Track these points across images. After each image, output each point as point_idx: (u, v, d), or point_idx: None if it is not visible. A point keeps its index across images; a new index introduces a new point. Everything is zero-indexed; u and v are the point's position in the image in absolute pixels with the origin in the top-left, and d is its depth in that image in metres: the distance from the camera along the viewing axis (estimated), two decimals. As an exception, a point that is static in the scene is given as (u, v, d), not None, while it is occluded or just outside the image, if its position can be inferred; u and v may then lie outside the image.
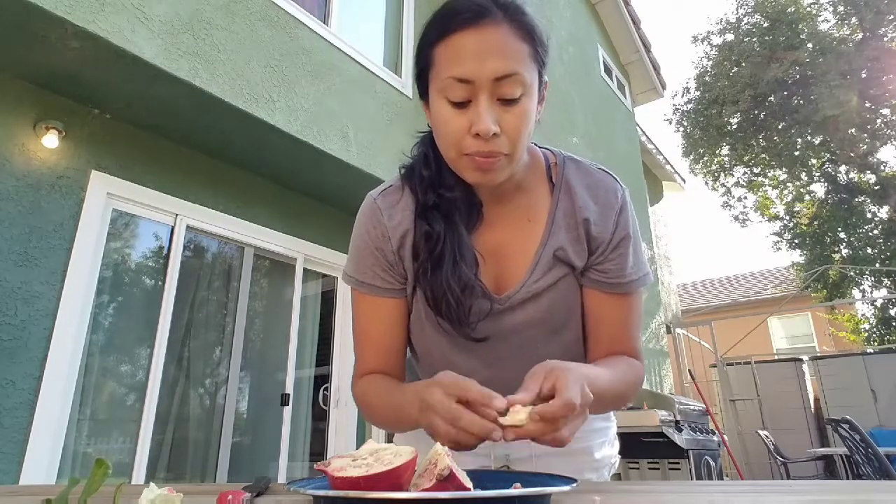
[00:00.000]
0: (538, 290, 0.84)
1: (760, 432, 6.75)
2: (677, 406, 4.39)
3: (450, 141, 0.74)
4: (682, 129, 13.82)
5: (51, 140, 2.75)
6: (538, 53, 0.74)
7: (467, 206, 0.84)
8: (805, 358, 8.68)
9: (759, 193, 13.66)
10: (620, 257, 0.84)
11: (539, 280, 0.84)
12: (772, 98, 12.18)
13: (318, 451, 3.99)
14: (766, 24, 12.44)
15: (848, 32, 12.10)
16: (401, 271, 0.86)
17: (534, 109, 0.75)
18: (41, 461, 2.49)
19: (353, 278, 0.89)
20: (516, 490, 0.50)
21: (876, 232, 11.81)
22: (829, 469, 7.30)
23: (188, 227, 3.34)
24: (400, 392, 0.76)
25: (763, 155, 13.00)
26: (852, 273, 11.44)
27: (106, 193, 2.95)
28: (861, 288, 11.97)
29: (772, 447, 6.41)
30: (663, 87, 9.50)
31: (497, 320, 0.85)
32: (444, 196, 0.82)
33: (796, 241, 12.82)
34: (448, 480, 0.51)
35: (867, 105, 11.48)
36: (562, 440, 0.59)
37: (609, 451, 1.01)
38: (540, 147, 0.91)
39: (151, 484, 0.53)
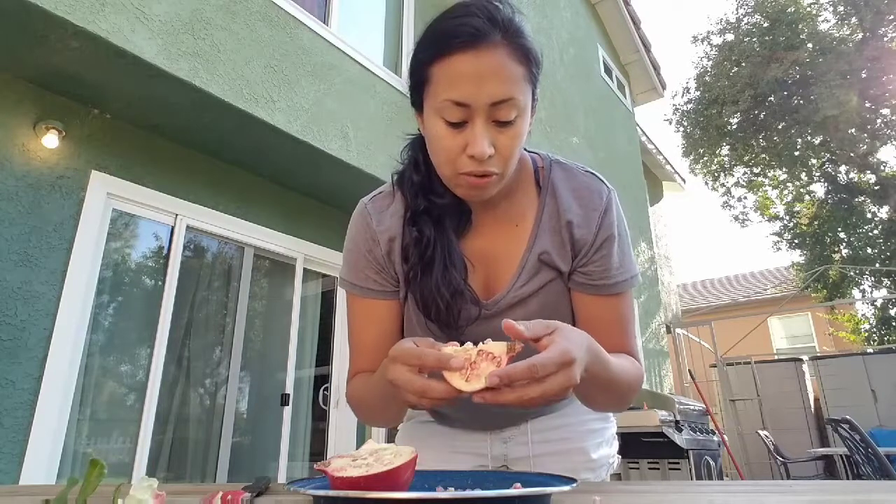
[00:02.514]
0: (524, 294, 0.85)
1: (760, 432, 6.74)
2: (677, 406, 4.39)
3: (445, 159, 0.75)
4: (682, 129, 13.81)
5: (51, 140, 2.75)
6: (533, 74, 0.75)
7: (457, 211, 0.85)
8: (805, 358, 8.67)
9: (759, 193, 13.65)
10: (604, 259, 0.83)
11: (525, 285, 0.85)
12: (772, 98, 12.17)
13: (318, 451, 3.99)
14: (766, 24, 12.42)
15: (848, 32, 12.09)
16: (392, 273, 0.87)
17: (527, 128, 0.76)
18: (41, 461, 2.49)
19: (347, 282, 0.90)
20: (516, 490, 0.50)
21: (876, 232, 11.80)
22: (829, 469, 7.30)
23: (188, 227, 3.34)
24: (377, 378, 0.76)
25: (763, 155, 12.99)
26: (852, 273, 11.44)
27: (106, 193, 2.95)
28: (861, 288, 11.97)
29: (772, 447, 6.41)
30: (663, 87, 9.50)
31: (486, 325, 0.85)
32: (434, 202, 0.83)
33: (796, 241, 12.81)
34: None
35: (867, 105, 11.48)
36: (526, 401, 0.56)
37: (607, 450, 1.01)
38: (529, 151, 0.91)
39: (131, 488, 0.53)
